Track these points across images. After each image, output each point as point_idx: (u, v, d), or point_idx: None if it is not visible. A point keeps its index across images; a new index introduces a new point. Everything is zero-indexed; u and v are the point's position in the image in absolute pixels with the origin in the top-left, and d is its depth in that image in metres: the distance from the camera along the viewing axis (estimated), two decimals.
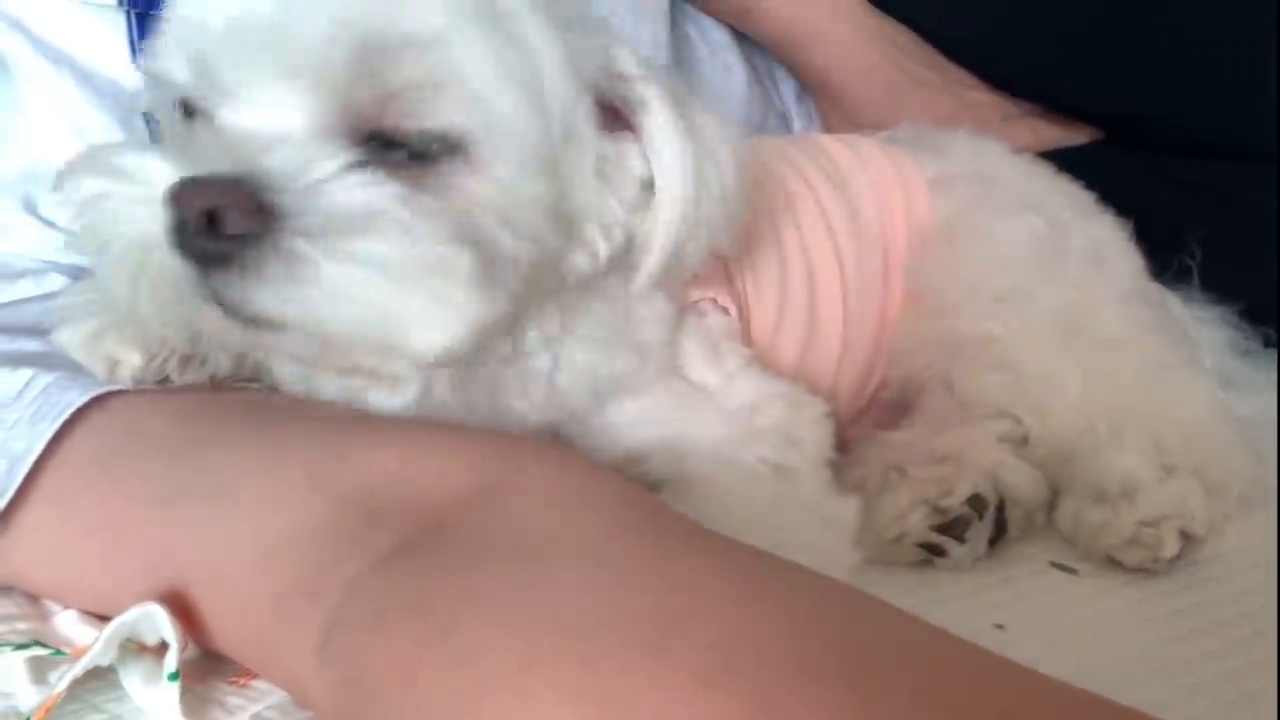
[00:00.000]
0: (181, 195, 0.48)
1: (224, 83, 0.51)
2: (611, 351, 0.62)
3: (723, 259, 0.67)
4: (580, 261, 0.57)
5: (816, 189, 0.75)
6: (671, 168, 0.56)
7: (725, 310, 0.67)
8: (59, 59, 0.72)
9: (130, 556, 0.54)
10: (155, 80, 0.55)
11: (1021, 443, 0.72)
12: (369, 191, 0.49)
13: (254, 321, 0.49)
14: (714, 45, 1.06)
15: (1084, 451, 0.71)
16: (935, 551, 0.67)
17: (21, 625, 0.56)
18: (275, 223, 0.47)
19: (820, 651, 0.39)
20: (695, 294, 0.66)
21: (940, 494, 0.67)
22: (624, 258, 0.58)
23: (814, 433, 0.65)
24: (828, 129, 1.08)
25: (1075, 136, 1.05)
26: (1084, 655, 0.59)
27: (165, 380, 0.60)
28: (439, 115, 0.50)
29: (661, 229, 0.56)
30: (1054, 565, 0.69)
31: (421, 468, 0.51)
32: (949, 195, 0.78)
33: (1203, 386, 0.76)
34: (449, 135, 0.51)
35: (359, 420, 0.57)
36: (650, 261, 0.57)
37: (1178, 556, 0.67)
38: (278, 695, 0.52)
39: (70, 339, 0.60)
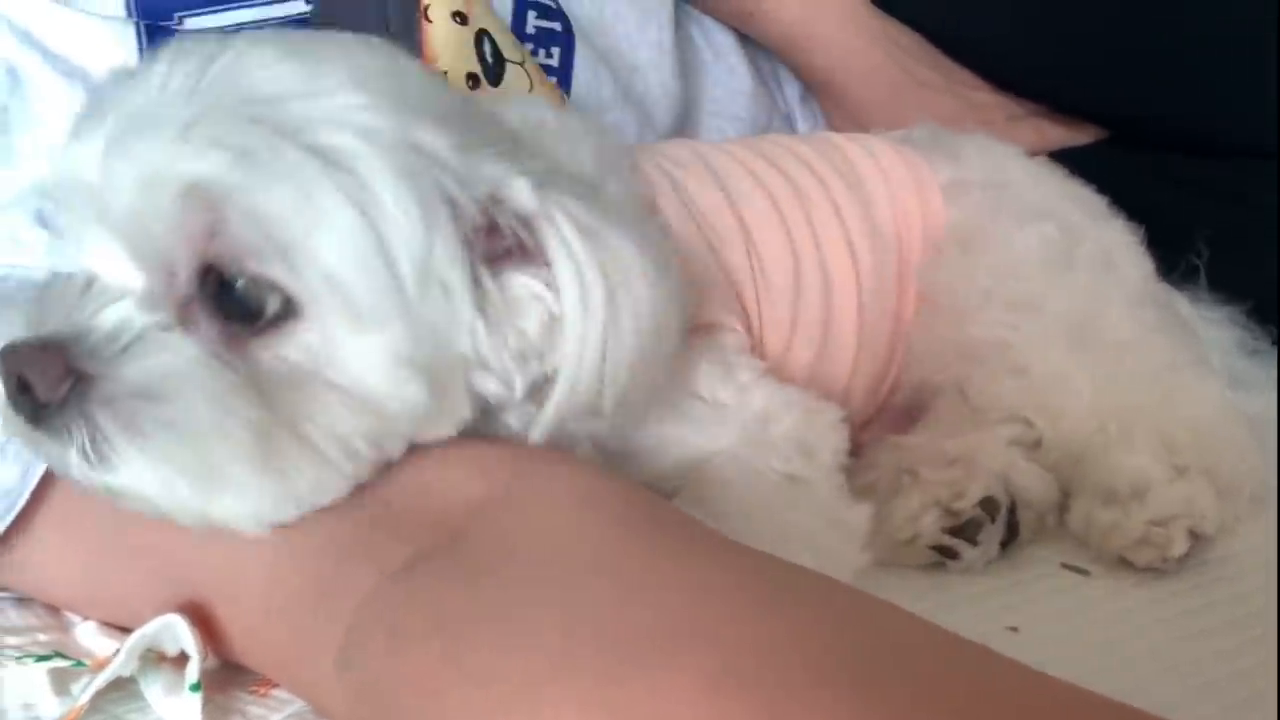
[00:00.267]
0: (4, 358, 0.48)
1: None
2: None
3: (728, 273, 0.67)
4: (493, 390, 0.53)
5: (830, 186, 0.75)
6: (572, 303, 0.51)
7: (734, 329, 0.66)
8: (70, 72, 0.72)
9: (145, 569, 0.55)
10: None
11: (1034, 446, 0.72)
12: (174, 356, 0.48)
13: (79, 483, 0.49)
14: (718, 48, 1.06)
15: (1095, 453, 0.71)
16: (947, 554, 0.67)
17: (42, 637, 0.57)
18: (83, 388, 0.47)
19: (830, 658, 0.39)
20: (704, 318, 0.64)
21: (952, 497, 0.67)
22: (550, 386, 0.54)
23: (828, 439, 0.64)
24: (833, 130, 1.08)
25: (1080, 136, 1.05)
26: (1097, 656, 0.59)
27: None
28: (260, 268, 0.48)
29: (566, 366, 0.52)
30: (1065, 567, 0.69)
31: (436, 477, 0.52)
32: (963, 201, 0.78)
33: (1212, 386, 0.76)
34: (275, 287, 0.48)
35: None
36: (552, 401, 0.52)
37: (1187, 555, 0.67)
38: (298, 704, 0.53)
39: None
